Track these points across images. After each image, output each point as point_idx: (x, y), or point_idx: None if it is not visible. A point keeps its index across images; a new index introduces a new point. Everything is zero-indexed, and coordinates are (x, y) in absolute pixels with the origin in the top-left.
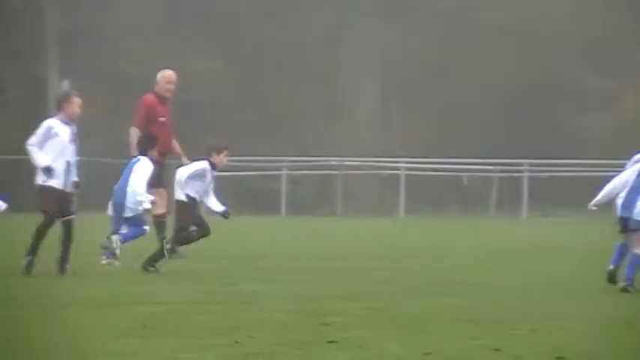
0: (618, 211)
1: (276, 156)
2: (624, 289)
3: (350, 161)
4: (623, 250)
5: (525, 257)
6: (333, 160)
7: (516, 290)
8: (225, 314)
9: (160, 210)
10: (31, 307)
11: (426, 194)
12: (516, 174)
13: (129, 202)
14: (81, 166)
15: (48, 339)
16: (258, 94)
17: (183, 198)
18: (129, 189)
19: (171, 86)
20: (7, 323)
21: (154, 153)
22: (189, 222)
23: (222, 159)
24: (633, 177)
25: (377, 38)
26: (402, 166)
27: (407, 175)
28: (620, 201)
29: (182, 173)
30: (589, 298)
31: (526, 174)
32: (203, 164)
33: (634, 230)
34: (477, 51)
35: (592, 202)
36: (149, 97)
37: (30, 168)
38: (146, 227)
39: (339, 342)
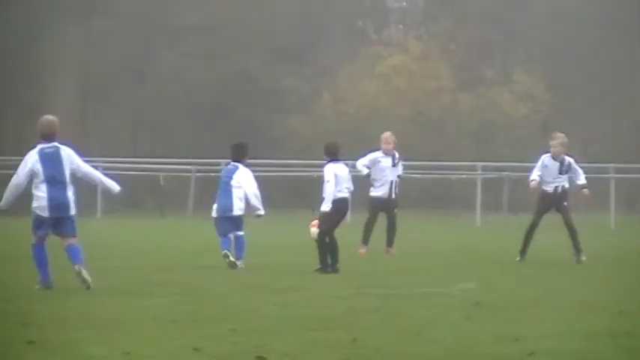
0: None
1: None
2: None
3: None
4: None
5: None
6: None
7: (216, 290)
8: None
9: None
10: None
11: (123, 194)
12: (213, 174)
13: None
14: None
15: None
16: None
17: None
18: None
19: None
20: None
21: None
22: None
23: None
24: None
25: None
26: (100, 165)
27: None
28: None
29: None
30: (291, 295)
31: None
32: None
33: None
34: (174, 52)
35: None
36: None
37: None
38: None
39: (38, 342)
